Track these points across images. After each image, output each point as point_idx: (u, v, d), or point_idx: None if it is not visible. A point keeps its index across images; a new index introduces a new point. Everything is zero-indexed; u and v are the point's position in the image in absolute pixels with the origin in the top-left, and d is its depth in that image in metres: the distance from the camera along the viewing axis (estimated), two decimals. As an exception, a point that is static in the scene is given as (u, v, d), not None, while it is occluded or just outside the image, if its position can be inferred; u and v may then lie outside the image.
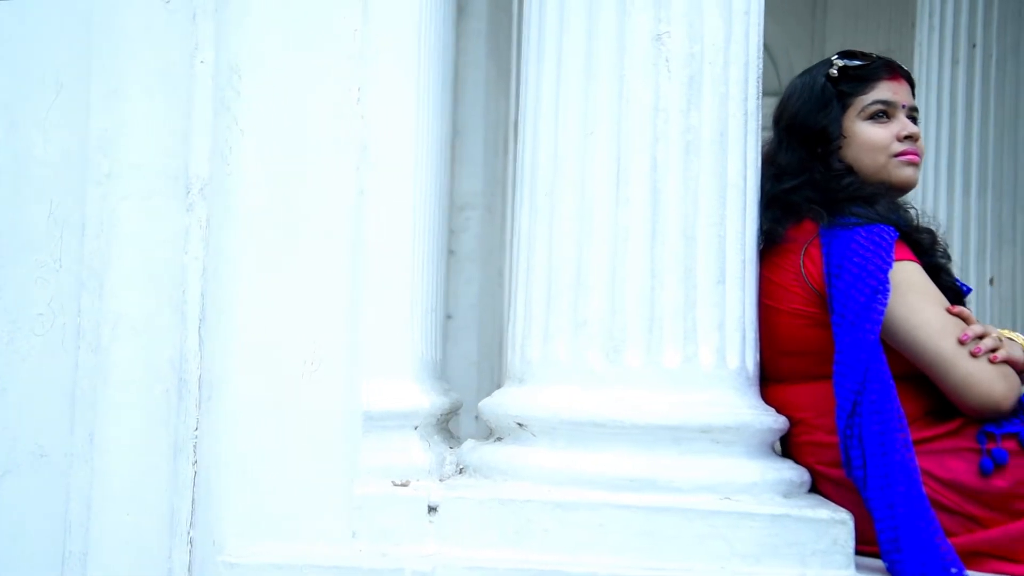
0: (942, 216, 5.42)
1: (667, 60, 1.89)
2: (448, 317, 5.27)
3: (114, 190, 1.70)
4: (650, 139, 1.88)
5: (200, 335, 1.66)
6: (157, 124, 1.70)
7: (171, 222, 1.68)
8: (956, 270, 5.38)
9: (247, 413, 1.77)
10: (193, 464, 1.64)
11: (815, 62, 6.91)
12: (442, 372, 2.24)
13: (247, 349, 1.77)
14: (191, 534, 1.64)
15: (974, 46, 5.56)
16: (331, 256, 1.80)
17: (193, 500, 1.65)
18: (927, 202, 5.59)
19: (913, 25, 5.81)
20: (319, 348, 1.79)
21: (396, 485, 1.82)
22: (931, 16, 5.70)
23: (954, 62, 5.58)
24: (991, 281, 5.59)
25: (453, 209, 5.13)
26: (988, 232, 5.52)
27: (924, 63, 5.74)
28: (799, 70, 7.59)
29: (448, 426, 2.24)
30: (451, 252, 5.22)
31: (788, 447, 2.06)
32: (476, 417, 2.12)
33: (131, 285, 1.71)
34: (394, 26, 1.90)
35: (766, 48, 6.81)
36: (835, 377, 1.84)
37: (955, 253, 5.38)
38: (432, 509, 1.79)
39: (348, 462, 1.80)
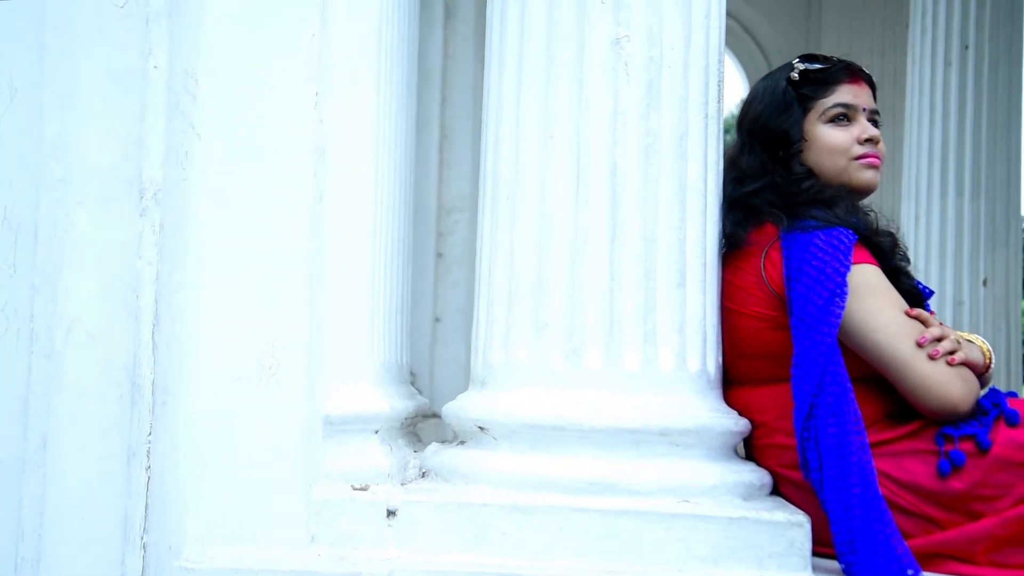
0: (935, 218, 5.45)
1: (626, 64, 1.89)
2: (436, 320, 5.28)
3: (68, 195, 1.70)
4: (609, 143, 1.88)
5: (154, 340, 1.66)
6: (111, 130, 1.70)
7: (125, 227, 1.67)
8: (950, 272, 5.43)
9: (205, 417, 1.77)
10: (146, 469, 1.64)
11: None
12: (408, 376, 2.24)
13: (205, 354, 1.77)
14: (144, 539, 1.63)
15: (966, 48, 5.58)
16: (289, 261, 1.80)
17: (147, 505, 1.65)
18: (920, 204, 5.62)
19: (907, 26, 5.83)
20: (277, 353, 1.79)
21: (356, 489, 1.83)
22: (923, 17, 5.72)
23: (947, 64, 5.60)
24: (984, 282, 5.61)
25: (441, 212, 5.14)
26: (981, 234, 5.54)
27: (917, 65, 5.76)
28: (794, 73, 7.42)
29: (416, 430, 2.25)
30: (439, 255, 5.23)
31: (750, 450, 2.07)
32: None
33: (85, 290, 1.70)
34: (354, 31, 1.91)
35: (760, 51, 6.82)
36: (792, 380, 1.85)
37: (948, 254, 5.42)
38: (391, 513, 1.79)
39: (307, 466, 1.81)
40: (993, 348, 5.41)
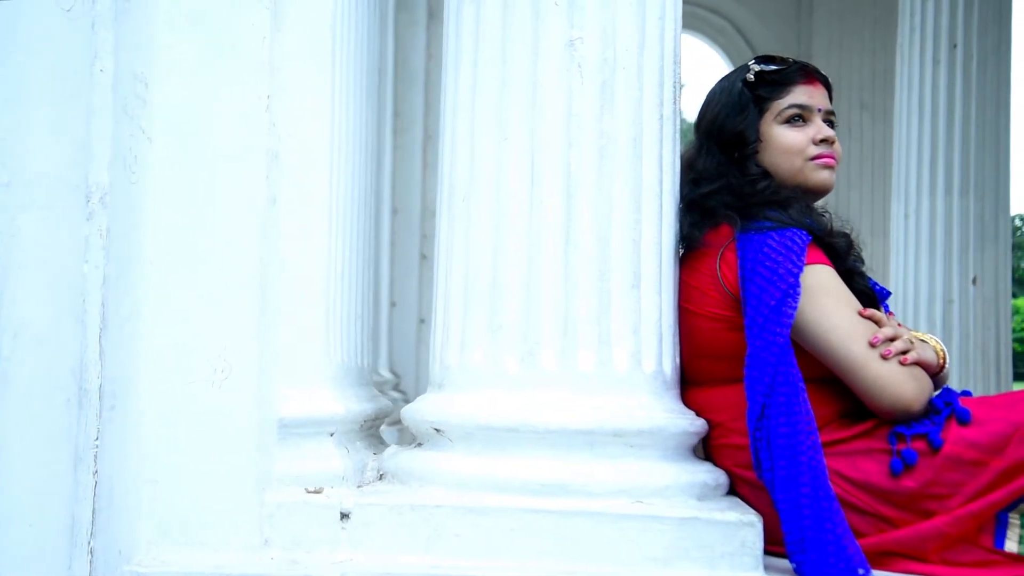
0: (924, 216, 5.46)
1: (580, 66, 1.90)
2: (421, 321, 5.27)
3: (13, 200, 1.70)
4: (564, 144, 1.88)
5: (101, 344, 1.65)
6: (58, 134, 1.69)
7: (72, 231, 1.67)
8: (939, 269, 5.44)
9: (156, 421, 1.77)
10: (94, 474, 1.64)
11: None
12: (369, 378, 2.24)
13: (155, 357, 1.78)
14: (92, 544, 1.63)
15: (955, 46, 5.59)
16: (241, 264, 1.80)
17: (94, 510, 1.64)
18: (910, 202, 5.63)
19: (897, 25, 5.84)
20: (229, 356, 1.79)
21: (309, 492, 1.83)
22: (912, 17, 5.73)
23: (935, 62, 5.61)
24: (974, 280, 5.62)
25: (425, 214, 5.14)
26: (971, 232, 5.55)
27: (905, 64, 5.77)
28: (785, 72, 7.39)
29: (378, 432, 2.25)
30: (423, 257, 5.23)
31: (708, 450, 2.07)
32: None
33: (33, 295, 1.70)
34: (307, 35, 1.91)
35: (752, 51, 6.85)
36: (745, 380, 1.86)
37: (938, 252, 5.43)
38: (345, 516, 1.79)
39: (261, 469, 1.81)
40: (984, 346, 5.42)
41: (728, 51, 10.39)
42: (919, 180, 5.59)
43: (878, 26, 8.40)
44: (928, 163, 5.54)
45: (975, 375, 5.49)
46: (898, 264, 5.61)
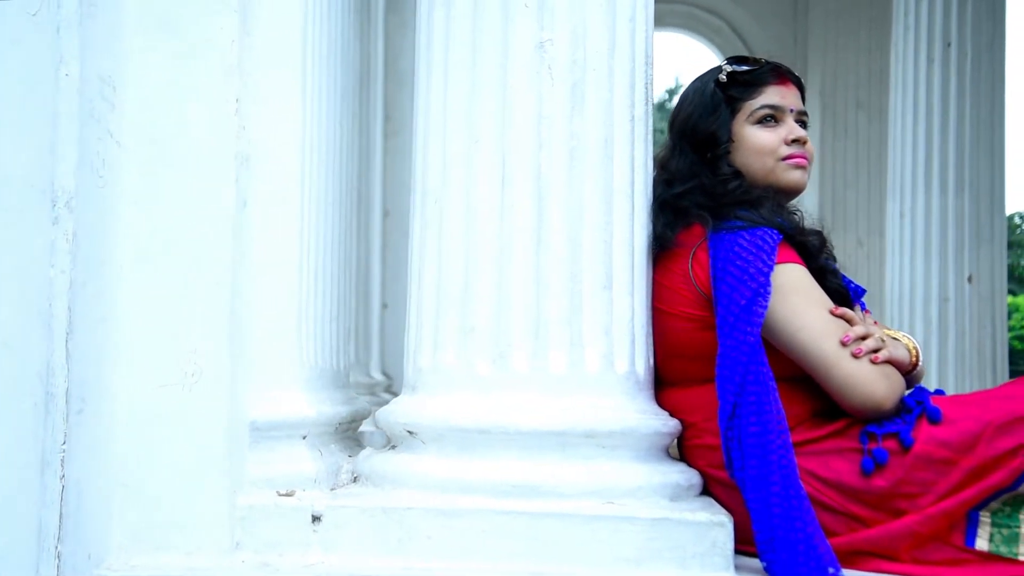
0: (920, 214, 5.47)
1: (550, 68, 1.90)
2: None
3: (-21, 205, 1.71)
4: (534, 146, 1.89)
5: (68, 348, 1.65)
6: (24, 138, 1.69)
7: (38, 236, 1.67)
8: (935, 268, 5.44)
9: (127, 425, 1.77)
10: (61, 478, 1.64)
11: (797, 63, 6.95)
12: (347, 381, 2.24)
13: (126, 361, 1.78)
14: (59, 548, 1.63)
15: (949, 45, 5.60)
16: (211, 268, 1.80)
17: (62, 515, 1.64)
18: (905, 201, 5.63)
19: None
20: (200, 359, 1.79)
21: (281, 495, 1.83)
22: (906, 16, 5.74)
23: (929, 61, 5.61)
24: (970, 279, 5.62)
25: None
26: (966, 230, 5.55)
27: (900, 63, 5.78)
28: (783, 72, 7.40)
29: (356, 434, 2.25)
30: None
31: (682, 450, 2.07)
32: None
33: (0, 299, 1.71)
34: (276, 38, 1.91)
35: (748, 50, 6.87)
36: (716, 379, 1.86)
37: (933, 251, 5.44)
38: (316, 518, 1.79)
39: (232, 472, 1.81)
40: (979, 345, 5.42)
41: (725, 51, 10.38)
42: (914, 179, 5.60)
43: (874, 25, 8.40)
44: (923, 162, 5.55)
45: (971, 373, 5.49)
46: (894, 263, 5.62)
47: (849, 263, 8.56)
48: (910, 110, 5.65)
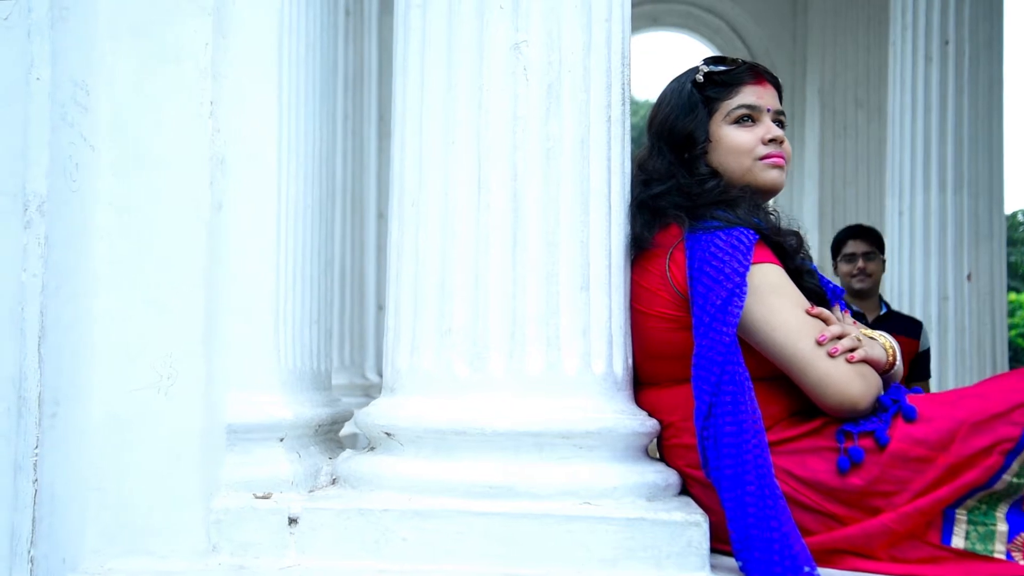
0: (919, 212, 5.48)
1: (525, 69, 1.90)
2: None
3: (-47, 209, 1.71)
4: (510, 147, 1.89)
5: (40, 353, 1.66)
6: (-4, 143, 1.71)
7: (10, 240, 1.68)
8: (934, 265, 5.44)
9: (101, 429, 1.77)
10: (33, 482, 1.64)
11: (796, 61, 6.94)
12: (328, 383, 2.24)
13: (100, 365, 1.78)
14: (32, 552, 1.63)
15: (947, 43, 5.61)
16: (186, 270, 1.81)
17: (35, 519, 1.64)
18: (904, 199, 5.64)
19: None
20: (176, 362, 1.79)
21: (257, 497, 1.83)
22: (904, 15, 5.75)
23: (927, 59, 5.62)
24: (968, 277, 5.62)
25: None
26: (965, 228, 5.56)
27: (898, 61, 5.79)
28: (781, 70, 7.65)
29: (338, 436, 2.26)
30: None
31: (661, 450, 2.07)
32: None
33: (-28, 305, 1.71)
34: (251, 41, 1.92)
35: (748, 50, 6.87)
36: (693, 379, 1.85)
37: (932, 249, 5.45)
38: (293, 521, 1.79)
39: (208, 475, 1.81)
40: (979, 342, 5.41)
41: (724, 51, 10.38)
42: (913, 177, 5.61)
43: (872, 23, 8.41)
44: (921, 160, 5.56)
45: (971, 371, 5.50)
46: (893, 261, 5.62)
47: (849, 261, 8.55)
48: (908, 108, 5.66)
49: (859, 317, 4.47)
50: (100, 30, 1.81)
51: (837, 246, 4.96)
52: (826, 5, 8.87)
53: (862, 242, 4.87)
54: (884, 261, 4.98)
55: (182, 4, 1.83)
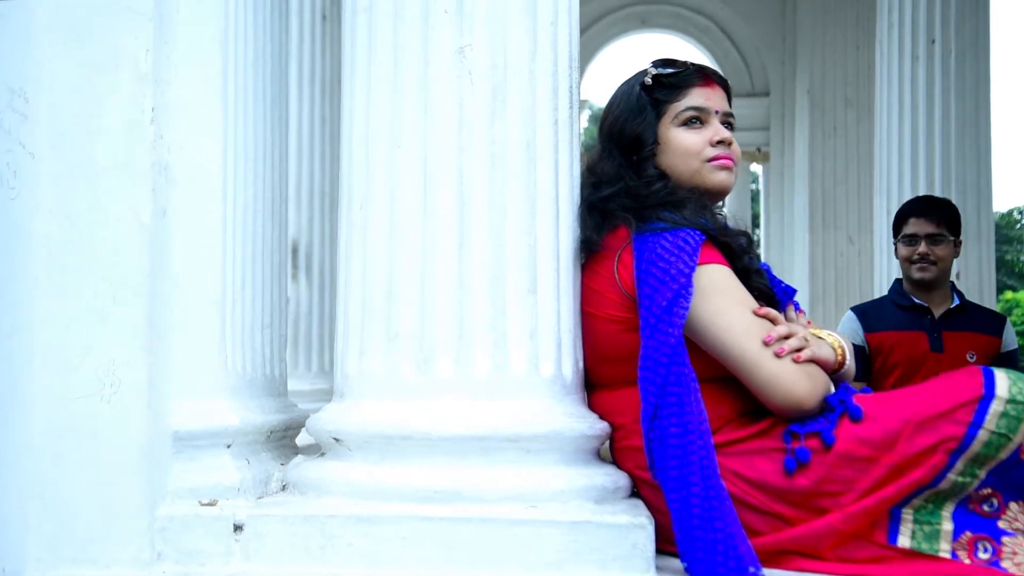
0: (906, 211, 5.45)
1: (470, 72, 1.90)
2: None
3: None
4: (456, 151, 1.88)
5: (-20, 362, 1.67)
6: (-68, 152, 1.71)
7: (-53, 250, 1.68)
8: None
9: (43, 437, 1.77)
10: (-27, 492, 1.65)
11: (786, 61, 6.94)
12: (284, 389, 2.24)
13: (43, 372, 1.78)
14: (-28, 562, 1.64)
15: (933, 42, 5.60)
16: (128, 277, 1.80)
17: (-24, 528, 1.65)
18: (892, 198, 5.63)
19: (880, 22, 5.86)
20: (119, 370, 1.79)
21: (203, 505, 1.83)
22: (890, 13, 5.74)
23: (914, 58, 5.61)
24: (957, 276, 5.61)
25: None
26: (952, 227, 5.52)
27: (885, 60, 5.78)
28: (771, 70, 7.68)
29: (294, 442, 2.25)
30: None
31: (613, 453, 2.07)
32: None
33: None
34: (195, 47, 1.91)
35: (737, 50, 6.87)
36: (639, 381, 1.85)
37: (920, 249, 5.40)
38: (238, 528, 1.79)
39: (153, 483, 1.80)
40: (969, 342, 5.35)
41: (713, 51, 10.42)
42: (900, 176, 5.59)
43: (861, 22, 8.42)
44: (909, 159, 5.54)
45: (961, 369, 5.45)
46: (882, 260, 5.61)
47: (840, 260, 8.57)
48: (895, 108, 5.65)
49: (921, 312, 4.00)
50: (38, 36, 1.81)
51: (897, 224, 4.16)
52: (815, 4, 8.87)
53: (926, 222, 4.01)
54: (958, 244, 4.10)
55: (121, 10, 1.83)
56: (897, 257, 4.17)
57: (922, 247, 3.95)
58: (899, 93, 5.60)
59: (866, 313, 4.16)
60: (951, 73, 5.53)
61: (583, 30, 10.39)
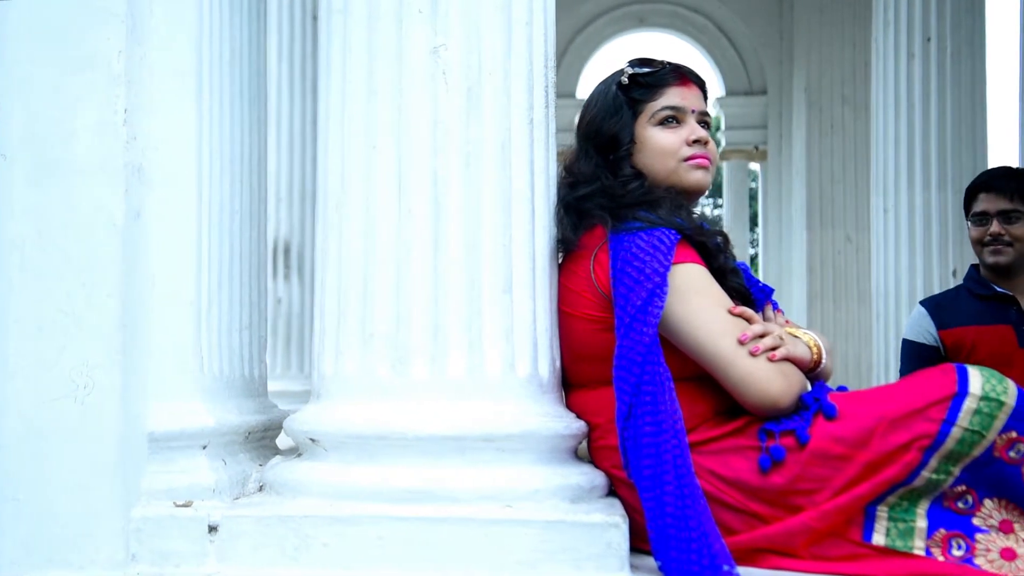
0: (903, 209, 5.46)
1: (444, 73, 1.90)
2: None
3: None
4: (430, 151, 1.88)
5: (-48, 364, 1.67)
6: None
7: (-82, 253, 1.69)
8: (919, 263, 5.41)
9: (18, 439, 1.77)
10: (-55, 494, 1.65)
11: (783, 59, 6.92)
12: (264, 390, 2.24)
13: (16, 374, 1.78)
14: (-56, 564, 1.64)
15: (928, 40, 5.59)
16: (101, 279, 1.80)
17: (-52, 530, 1.65)
18: (888, 196, 5.63)
19: (876, 20, 5.85)
20: (93, 371, 1.79)
21: (178, 506, 1.83)
22: (886, 11, 5.74)
23: (909, 56, 5.61)
24: (954, 273, 5.60)
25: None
26: (949, 225, 5.53)
27: (880, 58, 5.77)
28: (768, 69, 7.68)
29: (273, 443, 2.25)
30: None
31: (590, 452, 2.07)
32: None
33: None
34: (168, 49, 1.92)
35: (734, 48, 6.87)
36: (614, 380, 1.85)
37: (917, 246, 5.42)
38: (213, 529, 1.78)
39: (128, 484, 1.81)
40: (964, 340, 5.32)
41: (711, 50, 10.42)
42: (896, 174, 5.59)
43: (858, 19, 8.41)
44: (905, 157, 5.53)
45: (960, 367, 5.44)
46: (879, 258, 5.60)
47: (839, 259, 8.55)
48: (892, 106, 5.64)
49: (1004, 302, 3.38)
50: (11, 37, 1.82)
51: (967, 202, 3.55)
52: (812, 3, 8.86)
53: (997, 196, 3.39)
54: None
55: (94, 11, 1.83)
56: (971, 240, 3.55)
57: (994, 226, 3.35)
58: (895, 91, 5.59)
59: (939, 307, 3.54)
60: (947, 70, 5.52)
61: (581, 29, 10.41)
